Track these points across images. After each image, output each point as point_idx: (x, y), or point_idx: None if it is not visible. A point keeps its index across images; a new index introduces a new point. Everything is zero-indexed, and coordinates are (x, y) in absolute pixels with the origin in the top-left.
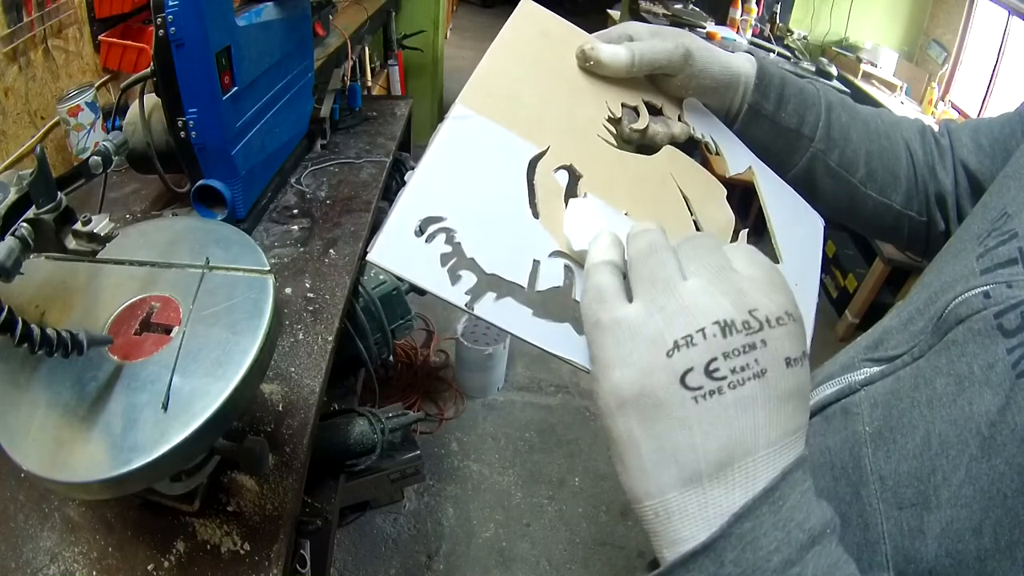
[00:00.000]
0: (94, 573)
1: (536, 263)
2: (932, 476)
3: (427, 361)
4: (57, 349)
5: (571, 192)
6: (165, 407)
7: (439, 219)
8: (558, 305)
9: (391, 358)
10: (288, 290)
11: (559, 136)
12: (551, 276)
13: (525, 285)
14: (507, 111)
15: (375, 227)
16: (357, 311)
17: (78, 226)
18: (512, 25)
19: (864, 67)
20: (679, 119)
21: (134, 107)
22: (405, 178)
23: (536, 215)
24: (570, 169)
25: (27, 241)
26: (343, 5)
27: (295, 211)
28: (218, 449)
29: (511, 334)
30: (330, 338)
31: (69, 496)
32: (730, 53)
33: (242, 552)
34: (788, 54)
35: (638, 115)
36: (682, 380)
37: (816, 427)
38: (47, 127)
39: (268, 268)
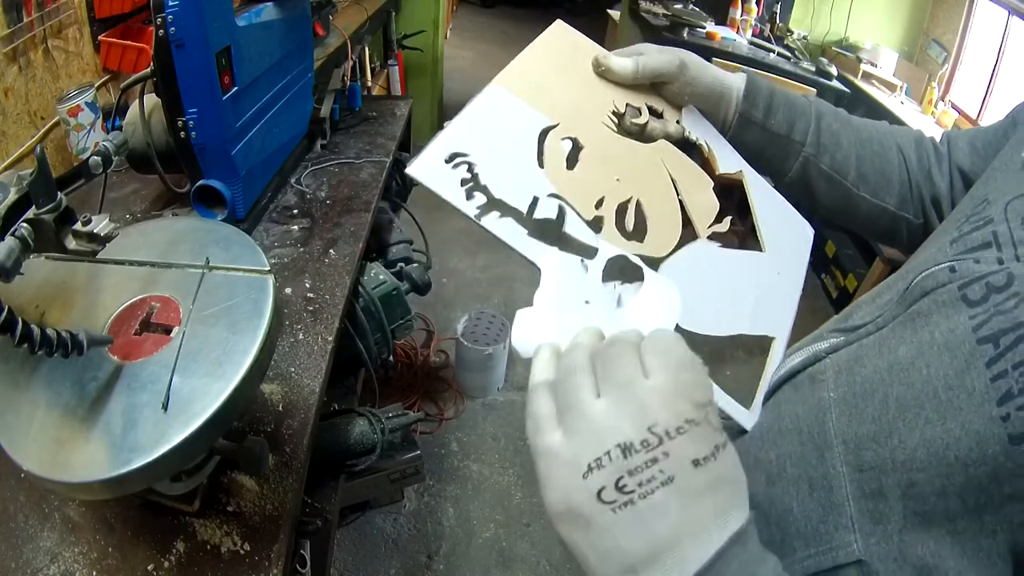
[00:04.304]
0: (94, 573)
1: (536, 199)
2: (888, 439)
3: (427, 361)
4: (57, 349)
5: (573, 157)
6: (165, 407)
7: (464, 155)
8: (549, 232)
9: (391, 358)
10: (288, 290)
11: (569, 116)
12: (546, 210)
13: (524, 212)
14: (531, 93)
15: (375, 227)
16: (357, 311)
17: (78, 226)
18: (545, 37)
19: (864, 67)
20: (677, 123)
21: (134, 107)
22: (443, 124)
23: (541, 165)
24: (574, 140)
25: (27, 241)
26: (343, 5)
27: (295, 211)
28: (218, 449)
29: (507, 244)
30: (330, 338)
31: (69, 496)
32: (725, 72)
33: (242, 552)
34: (788, 54)
35: (640, 113)
36: (598, 496)
37: (786, 394)
38: (47, 127)
39: (268, 268)
